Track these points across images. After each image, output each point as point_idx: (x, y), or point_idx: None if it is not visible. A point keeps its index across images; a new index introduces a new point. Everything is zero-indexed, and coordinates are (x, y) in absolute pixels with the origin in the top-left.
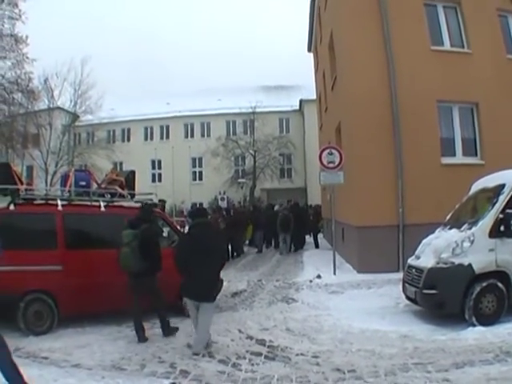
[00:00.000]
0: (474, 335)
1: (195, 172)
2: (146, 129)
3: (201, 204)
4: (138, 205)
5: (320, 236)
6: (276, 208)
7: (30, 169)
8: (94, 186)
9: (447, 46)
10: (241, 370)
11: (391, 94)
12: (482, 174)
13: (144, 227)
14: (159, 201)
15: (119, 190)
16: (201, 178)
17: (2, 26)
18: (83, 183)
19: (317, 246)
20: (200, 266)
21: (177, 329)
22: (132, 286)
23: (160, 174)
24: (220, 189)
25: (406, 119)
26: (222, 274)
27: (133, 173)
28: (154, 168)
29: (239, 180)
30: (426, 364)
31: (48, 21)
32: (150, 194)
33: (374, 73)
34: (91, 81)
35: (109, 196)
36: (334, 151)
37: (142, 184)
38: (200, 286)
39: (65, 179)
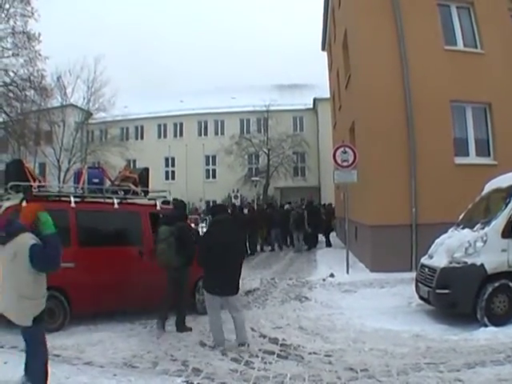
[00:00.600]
0: (486, 335)
1: (209, 170)
2: (159, 126)
3: (214, 202)
4: (152, 202)
5: (333, 235)
6: (286, 207)
7: (42, 166)
8: (108, 183)
9: (460, 45)
10: (253, 369)
11: (405, 93)
12: (494, 174)
13: (180, 224)
14: (173, 200)
15: (133, 187)
16: (214, 176)
17: (15, 23)
18: (96, 180)
19: (329, 244)
20: (222, 262)
21: (190, 329)
22: (172, 279)
23: (173, 172)
24: (233, 187)
25: (420, 119)
26: None
27: (146, 170)
28: (167, 166)
29: (253, 178)
30: (438, 364)
31: (61, 19)
32: (164, 191)
33: (388, 72)
34: (104, 78)
35: (122, 193)
36: (347, 150)
37: (156, 182)
38: (224, 281)
39: (78, 176)
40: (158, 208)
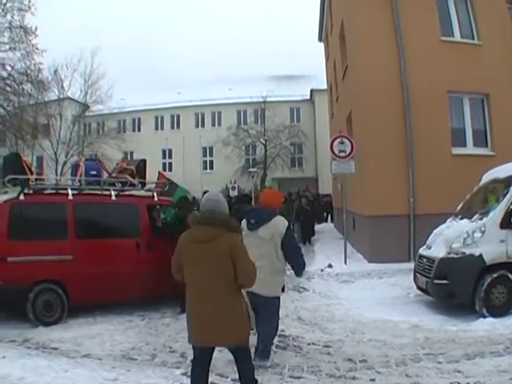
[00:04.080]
0: (485, 326)
1: (206, 161)
2: (156, 118)
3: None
4: (149, 194)
5: (331, 226)
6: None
7: (39, 159)
8: (105, 175)
9: (457, 37)
10: (253, 360)
11: (402, 83)
12: (492, 165)
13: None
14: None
15: (130, 178)
16: (212, 167)
17: (12, 17)
18: (94, 172)
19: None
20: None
21: None
22: None
23: (171, 164)
24: (231, 178)
25: (417, 109)
26: None
27: (143, 162)
28: (164, 157)
29: (250, 169)
30: (437, 355)
31: (57, 12)
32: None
33: (385, 62)
34: (101, 71)
35: (119, 185)
36: (345, 140)
37: (153, 173)
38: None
39: (75, 169)
40: (156, 200)
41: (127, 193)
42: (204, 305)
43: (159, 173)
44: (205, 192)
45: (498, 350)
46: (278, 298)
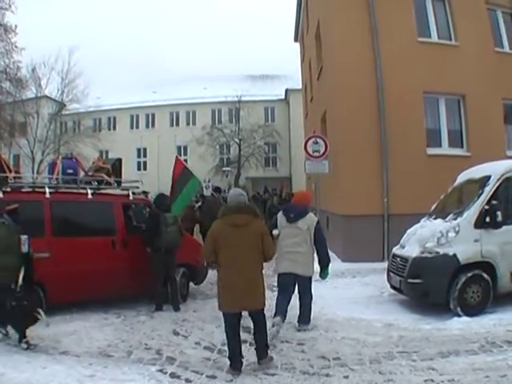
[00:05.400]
0: (459, 325)
1: None
2: (131, 117)
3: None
4: (125, 192)
5: None
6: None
7: (16, 157)
8: (82, 173)
9: (434, 37)
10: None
11: (377, 84)
12: (467, 165)
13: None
14: (143, 192)
15: (106, 177)
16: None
17: None
18: (70, 171)
19: None
20: None
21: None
22: (165, 260)
23: (145, 162)
24: (205, 177)
25: (392, 110)
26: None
27: (119, 161)
28: (139, 156)
29: (224, 168)
30: (411, 353)
31: (36, 10)
32: (137, 181)
33: (360, 63)
34: (78, 70)
35: (96, 184)
36: (319, 140)
37: (128, 172)
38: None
39: (52, 167)
40: (131, 198)
41: (103, 191)
42: (239, 276)
43: (176, 157)
44: (161, 193)
45: (472, 348)
46: (311, 277)
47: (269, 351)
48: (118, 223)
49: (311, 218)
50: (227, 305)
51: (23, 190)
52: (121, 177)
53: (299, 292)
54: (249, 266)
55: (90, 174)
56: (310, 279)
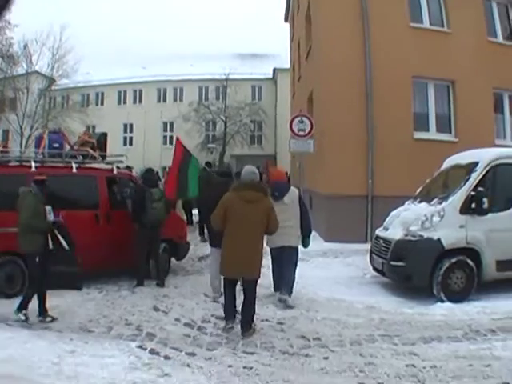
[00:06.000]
0: (443, 311)
1: (166, 136)
2: (119, 93)
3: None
4: (109, 167)
5: None
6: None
7: (5, 133)
8: (67, 147)
9: (427, 24)
10: (206, 334)
11: (365, 66)
12: (454, 150)
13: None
14: (127, 167)
15: (91, 151)
16: (171, 143)
17: None
18: (56, 145)
19: None
20: None
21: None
22: (149, 236)
23: (131, 138)
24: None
25: (380, 92)
26: (190, 238)
27: (104, 135)
28: (126, 132)
29: (209, 145)
30: (393, 336)
31: None
32: (121, 155)
33: (350, 45)
34: (69, 46)
35: (81, 158)
36: (304, 119)
37: (114, 147)
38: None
39: (39, 141)
40: (115, 172)
41: (88, 165)
42: (243, 247)
43: (177, 139)
44: (148, 168)
45: (456, 335)
46: (298, 247)
47: (253, 324)
48: (101, 197)
49: (294, 192)
50: (228, 270)
51: (10, 163)
52: (105, 151)
53: (286, 262)
54: (251, 238)
55: (75, 148)
56: (297, 249)
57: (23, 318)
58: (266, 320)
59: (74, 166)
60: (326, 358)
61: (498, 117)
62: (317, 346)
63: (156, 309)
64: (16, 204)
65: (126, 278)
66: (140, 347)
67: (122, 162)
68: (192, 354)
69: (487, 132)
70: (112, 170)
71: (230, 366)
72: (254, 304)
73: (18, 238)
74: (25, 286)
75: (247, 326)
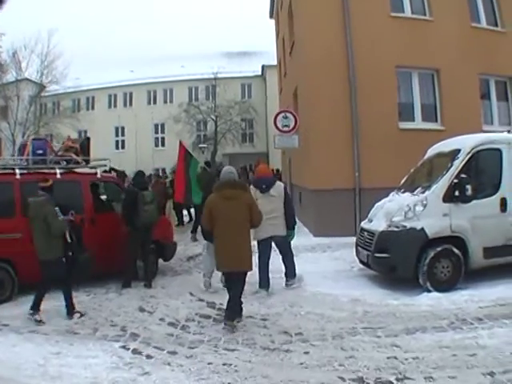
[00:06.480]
0: (429, 301)
1: (157, 138)
2: (109, 96)
3: (163, 170)
4: (93, 171)
5: None
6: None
7: None
8: (52, 154)
9: (408, 13)
10: (189, 333)
11: (348, 58)
12: (442, 139)
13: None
14: (111, 170)
15: (74, 156)
16: (163, 144)
17: None
18: (40, 151)
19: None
20: None
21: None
22: (142, 238)
23: (123, 141)
24: None
25: (364, 84)
26: (178, 239)
27: (87, 139)
28: (117, 135)
29: (200, 145)
30: (376, 328)
31: None
32: (105, 159)
33: (332, 37)
34: (57, 51)
35: (64, 163)
36: (288, 115)
37: (106, 151)
38: None
39: (22, 148)
40: (99, 176)
41: (72, 170)
42: (232, 241)
43: (180, 143)
44: (139, 171)
45: (441, 325)
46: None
47: (238, 318)
48: (86, 202)
49: (279, 185)
50: (222, 266)
51: None
52: (89, 155)
53: (281, 252)
54: (238, 233)
55: (59, 153)
56: (287, 238)
57: (38, 318)
58: (250, 317)
59: (57, 171)
60: (307, 353)
61: (484, 103)
62: (298, 341)
63: (141, 309)
64: (27, 213)
65: (114, 281)
66: (123, 347)
67: (105, 165)
68: (173, 353)
69: (474, 118)
70: (96, 173)
71: (209, 364)
72: (241, 296)
73: (40, 247)
74: (14, 292)
75: (231, 315)
